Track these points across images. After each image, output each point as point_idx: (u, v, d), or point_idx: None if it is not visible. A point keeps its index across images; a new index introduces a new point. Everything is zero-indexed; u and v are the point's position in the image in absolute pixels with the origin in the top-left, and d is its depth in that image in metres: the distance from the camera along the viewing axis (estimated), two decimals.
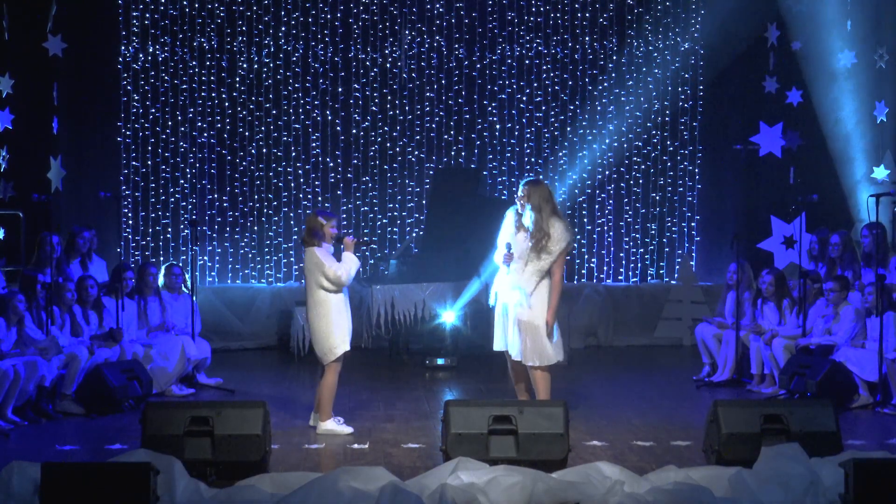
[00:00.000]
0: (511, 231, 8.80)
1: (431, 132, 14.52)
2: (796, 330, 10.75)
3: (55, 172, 12.67)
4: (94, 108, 13.89)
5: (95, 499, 6.28)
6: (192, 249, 11.79)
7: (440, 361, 12.16)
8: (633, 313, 14.29)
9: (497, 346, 9.02)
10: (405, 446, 8.46)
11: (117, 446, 8.45)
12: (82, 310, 10.28)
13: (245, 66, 14.23)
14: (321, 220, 8.93)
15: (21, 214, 11.87)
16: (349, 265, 8.85)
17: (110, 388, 9.69)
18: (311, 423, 9.03)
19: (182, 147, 14.17)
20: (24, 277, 10.11)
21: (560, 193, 14.57)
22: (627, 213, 14.74)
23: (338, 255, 9.01)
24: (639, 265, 14.80)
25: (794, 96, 13.82)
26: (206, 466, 7.38)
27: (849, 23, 13.20)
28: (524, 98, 14.59)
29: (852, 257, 11.22)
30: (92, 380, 9.74)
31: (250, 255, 14.35)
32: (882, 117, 13.11)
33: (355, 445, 8.50)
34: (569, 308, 12.87)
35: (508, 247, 8.73)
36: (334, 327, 8.84)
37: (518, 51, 14.56)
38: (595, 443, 8.57)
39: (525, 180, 8.97)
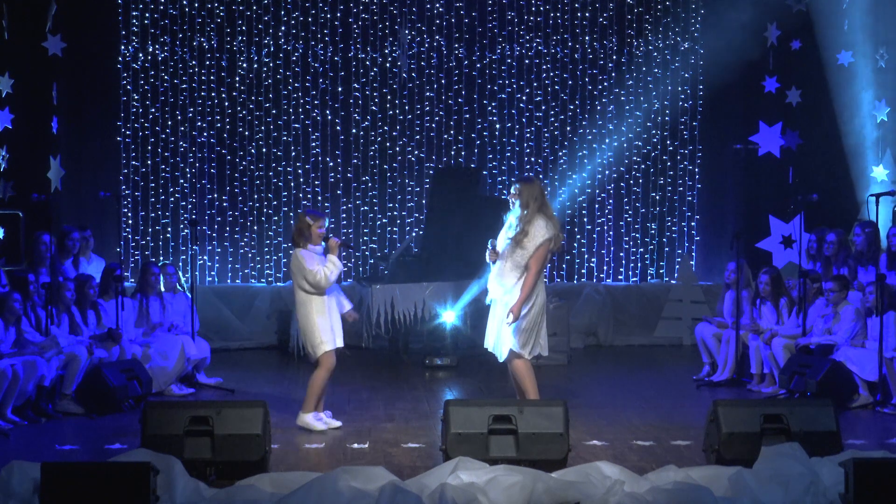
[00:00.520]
0: (502, 231, 8.82)
1: (431, 132, 14.52)
2: (796, 329, 10.75)
3: (55, 172, 12.66)
4: (93, 107, 13.90)
5: (95, 498, 6.27)
6: (191, 249, 11.80)
7: (440, 361, 12.15)
8: (633, 313, 14.29)
9: (486, 343, 9.00)
10: (405, 446, 8.46)
11: (117, 446, 8.45)
12: (80, 309, 10.27)
13: (245, 65, 14.23)
14: (308, 220, 9.04)
15: (21, 214, 11.86)
16: (330, 268, 8.93)
17: (110, 387, 9.69)
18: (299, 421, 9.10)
19: (182, 147, 14.18)
20: (14, 278, 10.10)
21: (560, 193, 14.58)
22: (627, 213, 14.75)
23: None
24: (639, 265, 14.80)
25: (793, 96, 13.82)
26: (205, 466, 7.38)
27: (846, 22, 13.20)
28: (524, 98, 14.59)
29: (847, 255, 11.23)
30: (91, 379, 9.74)
31: (250, 254, 14.36)
32: (882, 116, 13.10)
33: (355, 445, 8.50)
34: (568, 308, 12.87)
35: (492, 244, 8.74)
36: (316, 327, 8.94)
37: (518, 50, 14.56)
38: (595, 442, 8.57)
39: (518, 178, 9.01)
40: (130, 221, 14.12)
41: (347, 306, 9.27)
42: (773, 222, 12.99)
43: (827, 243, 11.32)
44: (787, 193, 13.44)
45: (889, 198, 11.95)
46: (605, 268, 14.78)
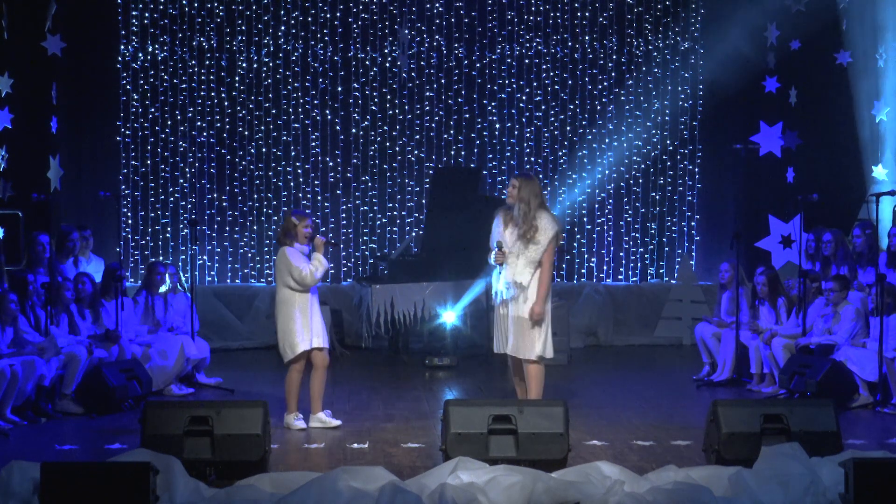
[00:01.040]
0: (499, 229, 8.81)
1: (431, 131, 14.52)
2: (796, 329, 10.74)
3: (54, 172, 12.65)
4: (93, 107, 13.89)
5: (95, 498, 6.27)
6: (191, 249, 11.79)
7: (440, 361, 12.15)
8: (633, 313, 14.29)
9: (496, 348, 9.00)
10: (405, 446, 8.46)
11: (117, 446, 8.44)
12: (78, 308, 10.27)
13: (244, 65, 14.22)
14: (294, 219, 9.11)
15: (21, 214, 11.86)
16: (316, 266, 8.99)
17: (110, 387, 9.69)
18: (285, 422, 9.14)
19: (181, 146, 14.17)
20: (13, 279, 10.09)
21: (560, 193, 14.57)
22: (627, 213, 14.74)
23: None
24: (639, 265, 14.80)
25: (793, 96, 13.81)
26: (205, 466, 7.37)
27: (844, 22, 13.19)
28: (524, 97, 14.59)
29: (844, 255, 11.23)
30: (91, 379, 9.74)
31: (250, 254, 14.35)
32: (881, 116, 13.10)
33: (355, 445, 8.50)
34: (568, 308, 12.87)
35: (499, 245, 8.74)
36: (297, 326, 9.02)
37: (518, 50, 14.56)
38: (595, 442, 8.56)
39: (516, 174, 9.05)
40: (130, 221, 14.12)
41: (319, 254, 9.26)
42: (773, 222, 12.99)
43: (824, 243, 11.33)
44: (786, 193, 13.44)
45: (889, 197, 11.94)
46: (605, 268, 14.77)
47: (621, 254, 14.79)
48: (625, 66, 14.65)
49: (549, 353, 8.82)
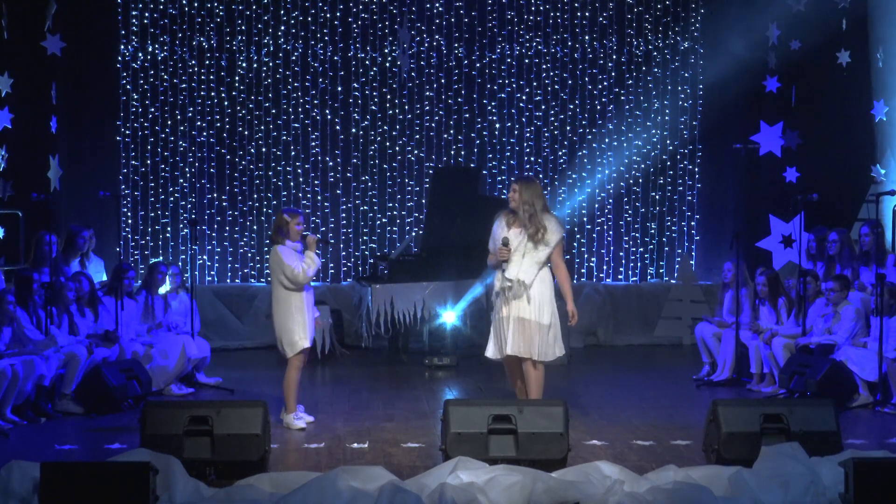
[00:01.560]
0: (503, 231, 8.78)
1: (431, 131, 14.52)
2: (796, 329, 10.74)
3: (54, 171, 12.66)
4: (92, 107, 13.88)
5: (95, 498, 6.27)
6: (191, 249, 11.80)
7: (440, 361, 12.14)
8: (633, 312, 14.29)
9: (489, 353, 8.93)
10: (405, 446, 8.46)
11: (116, 446, 8.44)
12: (77, 308, 10.27)
13: (244, 65, 14.22)
14: (286, 217, 9.15)
15: (20, 214, 11.86)
16: (309, 264, 9.03)
17: (109, 387, 9.69)
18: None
19: (181, 146, 14.17)
20: (19, 277, 10.10)
21: (560, 193, 14.57)
22: (627, 213, 14.74)
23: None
24: (638, 264, 14.80)
25: (793, 95, 13.80)
26: (205, 466, 7.37)
27: (843, 22, 13.18)
28: (524, 97, 14.59)
29: (850, 255, 11.22)
30: (91, 379, 9.74)
31: (250, 254, 14.36)
32: (881, 116, 13.10)
33: (355, 445, 8.50)
34: None
35: (506, 241, 8.68)
36: (295, 324, 9.05)
37: (518, 50, 14.56)
38: (595, 442, 8.56)
39: (516, 178, 9.06)
40: (130, 221, 14.12)
41: (316, 312, 9.45)
42: (774, 222, 12.98)
43: (829, 242, 11.31)
44: (786, 193, 13.44)
45: (889, 197, 11.94)
46: (604, 267, 14.77)
47: (621, 253, 14.79)
48: (625, 66, 14.65)
49: (561, 352, 8.88)
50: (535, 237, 8.66)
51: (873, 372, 9.87)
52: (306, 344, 9.11)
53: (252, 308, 13.82)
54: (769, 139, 13.59)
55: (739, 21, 13.95)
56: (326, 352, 12.57)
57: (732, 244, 11.25)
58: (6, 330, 9.43)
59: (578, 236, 14.68)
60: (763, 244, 13.10)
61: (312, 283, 9.35)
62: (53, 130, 12.87)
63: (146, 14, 14.04)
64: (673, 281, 14.56)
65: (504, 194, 14.26)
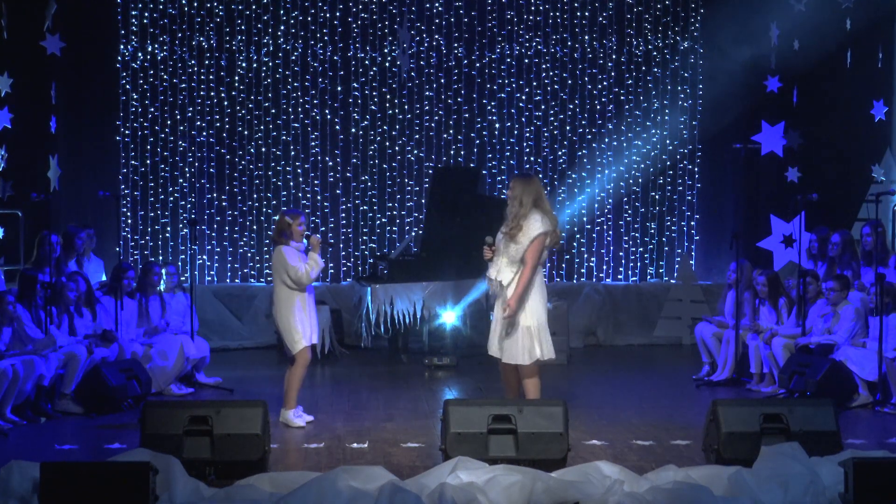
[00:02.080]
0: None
1: (431, 131, 14.52)
2: (796, 329, 10.74)
3: (54, 171, 12.66)
4: (92, 107, 13.89)
5: (94, 498, 6.27)
6: (191, 249, 11.79)
7: (440, 361, 12.14)
8: (633, 312, 14.29)
9: (489, 349, 8.85)
10: (405, 446, 8.46)
11: (116, 446, 8.44)
12: (76, 308, 10.26)
13: (244, 65, 14.22)
14: (288, 219, 9.21)
15: (20, 214, 11.86)
16: (312, 266, 9.10)
17: (109, 387, 9.69)
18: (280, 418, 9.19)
19: (181, 146, 14.17)
20: (23, 277, 10.10)
21: (559, 193, 14.57)
22: (627, 212, 14.74)
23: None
24: (638, 264, 14.79)
25: (794, 95, 13.80)
26: (205, 466, 7.37)
27: (848, 21, 13.18)
28: (523, 97, 14.59)
29: (852, 256, 11.22)
30: (91, 379, 9.74)
31: (249, 254, 14.35)
32: (881, 116, 13.10)
33: (355, 445, 8.50)
34: (568, 307, 12.87)
35: (489, 241, 8.59)
36: (297, 323, 9.11)
37: (517, 50, 14.56)
38: (594, 442, 8.56)
39: (516, 174, 8.98)
40: (129, 221, 14.12)
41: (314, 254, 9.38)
42: (774, 221, 12.99)
43: (832, 244, 11.29)
44: (787, 193, 13.44)
45: (889, 197, 11.94)
46: (604, 267, 14.77)
47: (621, 253, 14.79)
48: (625, 66, 14.65)
49: (547, 356, 8.52)
50: (510, 234, 8.43)
51: (873, 372, 9.87)
52: (306, 342, 9.14)
53: (252, 308, 13.82)
54: (771, 139, 13.59)
55: (740, 21, 13.95)
56: (326, 352, 12.58)
57: (732, 244, 11.24)
58: (6, 330, 9.43)
59: (578, 236, 14.68)
60: (764, 244, 13.10)
61: (314, 283, 9.39)
62: (53, 130, 12.87)
63: (146, 14, 14.04)
64: (673, 281, 14.56)
65: (504, 194, 14.28)
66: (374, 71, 14.40)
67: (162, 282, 11.21)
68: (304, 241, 9.23)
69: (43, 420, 9.40)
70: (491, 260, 8.55)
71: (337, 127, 14.40)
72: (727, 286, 11.64)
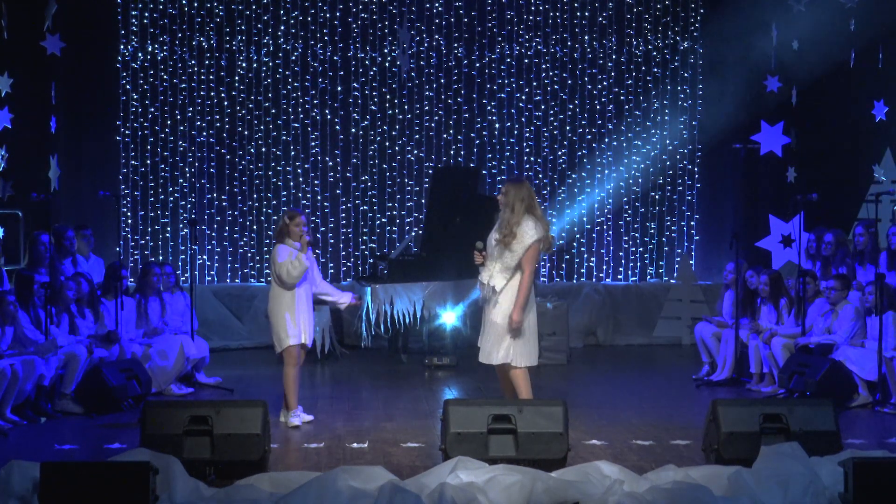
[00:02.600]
0: (494, 233, 8.66)
1: (431, 131, 14.52)
2: (795, 329, 10.75)
3: (54, 171, 12.66)
4: (92, 107, 13.89)
5: (94, 498, 6.27)
6: (191, 249, 11.79)
7: (440, 361, 12.14)
8: (633, 312, 14.29)
9: (480, 357, 8.60)
10: (405, 445, 8.46)
11: (116, 445, 8.44)
12: (77, 308, 10.27)
13: (244, 65, 14.23)
14: (286, 219, 9.26)
15: (20, 214, 11.86)
16: (296, 265, 9.07)
17: (109, 387, 9.69)
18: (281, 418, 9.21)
19: (181, 146, 14.18)
20: (19, 277, 10.10)
21: (559, 192, 14.58)
22: (627, 212, 14.74)
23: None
24: (638, 264, 14.80)
25: (793, 95, 13.81)
26: (205, 466, 7.37)
27: (852, 22, 13.19)
28: (523, 97, 14.59)
29: (845, 255, 11.22)
30: (91, 379, 9.74)
31: (249, 254, 14.36)
32: (881, 116, 13.10)
33: (355, 445, 8.50)
34: (568, 307, 12.87)
35: (480, 247, 8.54)
36: (284, 322, 9.12)
37: (517, 50, 14.56)
38: (594, 442, 8.56)
39: (507, 178, 8.95)
40: (130, 221, 14.12)
41: (345, 299, 9.48)
42: (773, 221, 12.99)
43: (825, 243, 11.32)
44: (786, 193, 13.44)
45: (889, 197, 11.95)
46: (604, 267, 14.78)
47: (620, 253, 14.79)
48: (624, 66, 14.65)
49: (528, 362, 8.38)
50: (504, 242, 8.32)
51: (872, 371, 9.87)
52: (293, 342, 9.13)
53: (252, 308, 13.82)
54: (770, 139, 13.59)
55: (740, 21, 13.96)
56: (326, 352, 12.58)
57: (732, 244, 11.25)
58: (8, 330, 9.43)
59: (578, 236, 14.68)
60: (763, 244, 13.11)
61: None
62: (53, 130, 12.87)
63: (146, 14, 14.04)
64: (672, 281, 14.57)
65: None
66: (374, 71, 14.41)
67: (161, 282, 11.20)
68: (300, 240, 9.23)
69: (43, 420, 9.40)
70: (482, 265, 8.48)
71: (337, 127, 14.40)
72: (724, 286, 11.65)
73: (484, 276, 8.44)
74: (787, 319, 10.95)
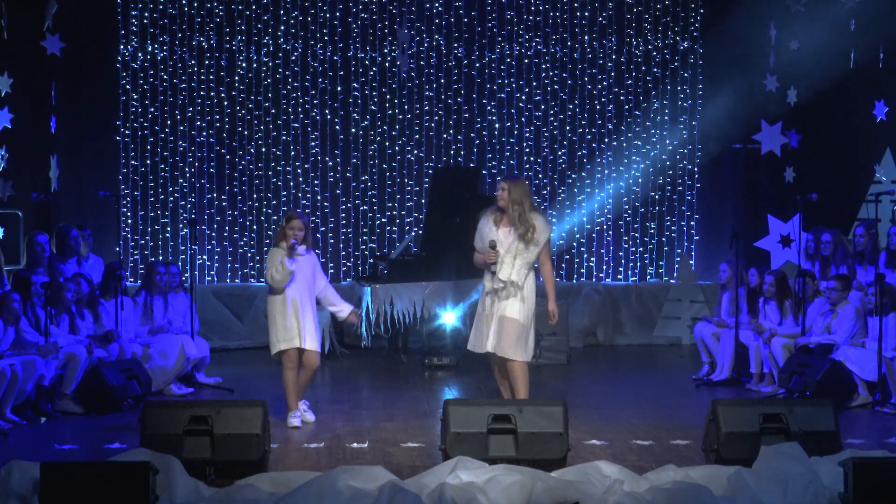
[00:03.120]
0: (491, 230, 8.74)
1: (431, 131, 14.53)
2: (795, 329, 10.75)
3: (54, 171, 12.67)
4: (92, 107, 13.89)
5: (94, 498, 6.27)
6: (191, 249, 11.80)
7: (440, 361, 12.15)
8: (633, 312, 14.29)
9: (471, 346, 8.91)
10: (404, 445, 8.46)
11: (116, 445, 8.44)
12: (77, 308, 10.26)
13: (244, 65, 14.23)
14: (283, 220, 9.20)
15: (20, 214, 11.87)
16: (280, 269, 8.96)
17: (109, 387, 9.69)
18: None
19: (181, 146, 14.18)
20: (16, 278, 10.10)
21: (559, 192, 14.58)
22: (626, 212, 14.75)
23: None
24: (638, 264, 14.80)
25: (792, 95, 13.81)
26: (205, 466, 7.37)
27: (853, 22, 13.19)
28: (523, 97, 14.60)
29: (843, 255, 11.22)
30: (91, 379, 9.73)
31: (249, 254, 14.36)
32: (881, 116, 13.11)
33: (355, 445, 8.50)
34: (568, 307, 12.87)
35: (493, 244, 8.65)
36: (275, 326, 9.09)
37: (517, 50, 14.57)
38: (594, 442, 8.56)
39: (504, 177, 9.06)
40: (130, 221, 14.13)
41: (345, 312, 9.36)
42: (772, 221, 13.00)
43: (823, 243, 11.32)
44: (786, 193, 13.45)
45: (889, 197, 11.95)
46: (604, 267, 14.78)
47: (620, 253, 14.80)
48: (624, 66, 14.66)
49: (530, 357, 8.81)
50: (525, 237, 8.60)
51: (872, 371, 9.87)
52: (284, 346, 9.06)
53: (252, 308, 13.82)
54: (770, 138, 13.60)
55: (739, 21, 13.96)
56: (326, 352, 12.57)
57: (732, 244, 11.25)
58: (10, 329, 9.43)
59: (578, 236, 14.69)
60: (761, 244, 13.11)
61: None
62: (53, 130, 12.87)
63: (146, 14, 14.05)
64: (672, 281, 14.57)
65: None
66: (374, 71, 14.41)
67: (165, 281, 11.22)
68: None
69: (43, 420, 9.40)
70: (494, 263, 8.62)
71: (337, 127, 14.41)
72: (721, 288, 11.65)
73: (503, 274, 8.54)
74: (787, 319, 10.95)
